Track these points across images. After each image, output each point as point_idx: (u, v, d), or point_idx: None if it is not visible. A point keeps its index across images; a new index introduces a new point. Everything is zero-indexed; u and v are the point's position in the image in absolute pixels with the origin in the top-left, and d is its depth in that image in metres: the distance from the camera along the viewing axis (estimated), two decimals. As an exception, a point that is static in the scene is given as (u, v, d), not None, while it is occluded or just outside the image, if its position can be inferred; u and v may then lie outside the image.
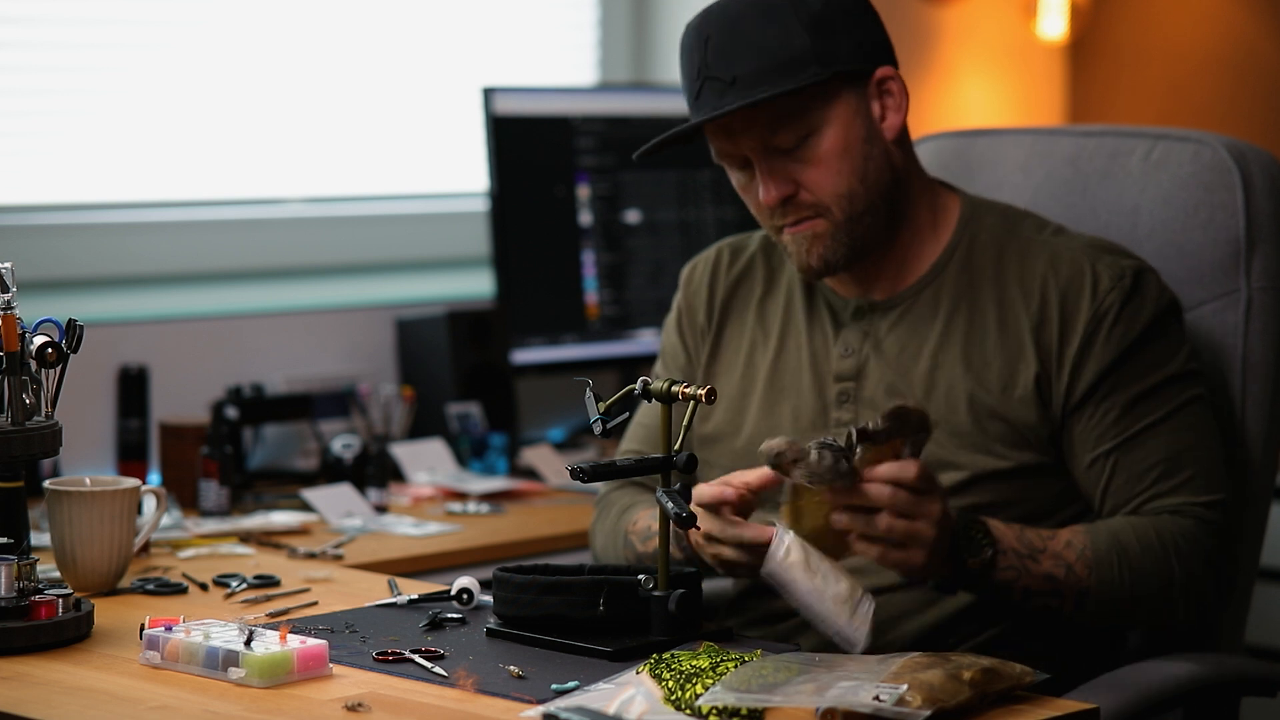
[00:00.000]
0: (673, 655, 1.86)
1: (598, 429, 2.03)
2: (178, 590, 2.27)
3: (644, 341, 3.57)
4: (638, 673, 1.83)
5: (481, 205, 3.61)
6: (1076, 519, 2.28)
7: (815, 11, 2.22)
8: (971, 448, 2.25)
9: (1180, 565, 2.19)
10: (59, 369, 2.08)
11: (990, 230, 2.31)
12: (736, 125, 2.22)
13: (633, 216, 3.57)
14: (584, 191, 3.51)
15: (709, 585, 2.34)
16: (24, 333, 2.05)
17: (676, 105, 2.52)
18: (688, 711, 1.74)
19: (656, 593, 1.99)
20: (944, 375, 2.28)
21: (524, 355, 3.44)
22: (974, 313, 2.28)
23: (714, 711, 1.73)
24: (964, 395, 2.26)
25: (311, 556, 2.55)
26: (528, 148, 3.46)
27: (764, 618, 2.34)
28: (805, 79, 2.19)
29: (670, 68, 4.04)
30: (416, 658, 1.92)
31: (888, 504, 2.01)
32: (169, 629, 1.92)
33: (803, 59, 2.20)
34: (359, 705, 1.77)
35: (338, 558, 2.57)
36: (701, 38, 2.23)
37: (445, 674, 1.87)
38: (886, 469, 2.01)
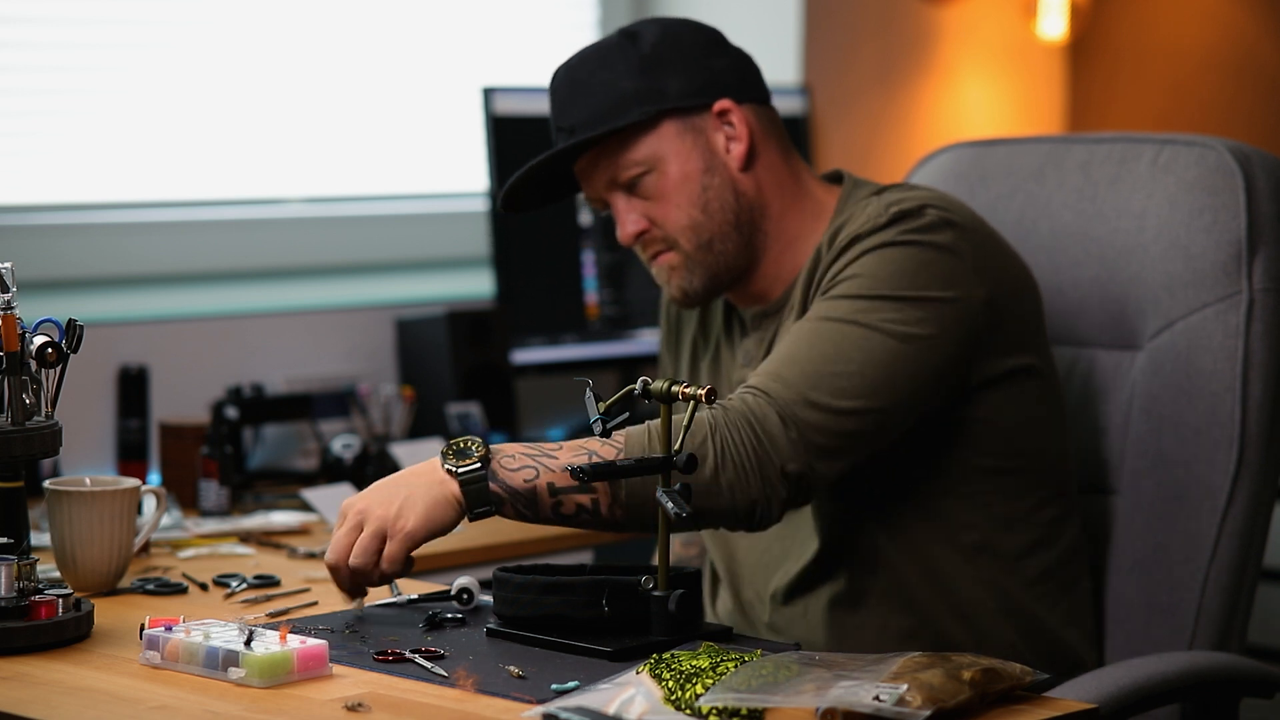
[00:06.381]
0: (673, 655, 1.86)
1: (598, 429, 2.03)
2: (178, 590, 2.27)
3: (644, 341, 3.58)
4: (638, 673, 1.83)
5: (481, 205, 3.61)
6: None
7: (645, 53, 2.31)
8: None
9: (714, 435, 2.07)
10: (59, 369, 2.08)
11: (848, 220, 2.30)
12: (586, 170, 2.34)
13: (633, 216, 3.57)
14: (584, 191, 3.51)
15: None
16: (24, 333, 2.05)
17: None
18: (688, 711, 1.74)
19: (656, 593, 1.99)
20: None
21: (524, 355, 3.44)
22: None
23: (714, 711, 1.73)
24: None
25: (311, 556, 2.55)
26: (528, 148, 3.45)
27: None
28: (627, 119, 2.29)
29: (670, 68, 4.04)
30: (416, 658, 1.92)
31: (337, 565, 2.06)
32: (169, 629, 1.92)
33: (628, 100, 2.30)
34: (359, 705, 1.77)
35: (338, 558, 2.57)
36: (551, 90, 2.36)
37: (445, 674, 1.87)
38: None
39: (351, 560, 2.04)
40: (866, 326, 2.17)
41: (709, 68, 2.33)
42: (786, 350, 2.17)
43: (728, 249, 2.33)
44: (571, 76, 2.34)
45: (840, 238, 2.25)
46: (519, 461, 2.06)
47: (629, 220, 2.34)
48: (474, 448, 2.05)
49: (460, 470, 2.04)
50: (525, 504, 2.05)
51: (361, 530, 2.04)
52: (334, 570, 2.06)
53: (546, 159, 2.34)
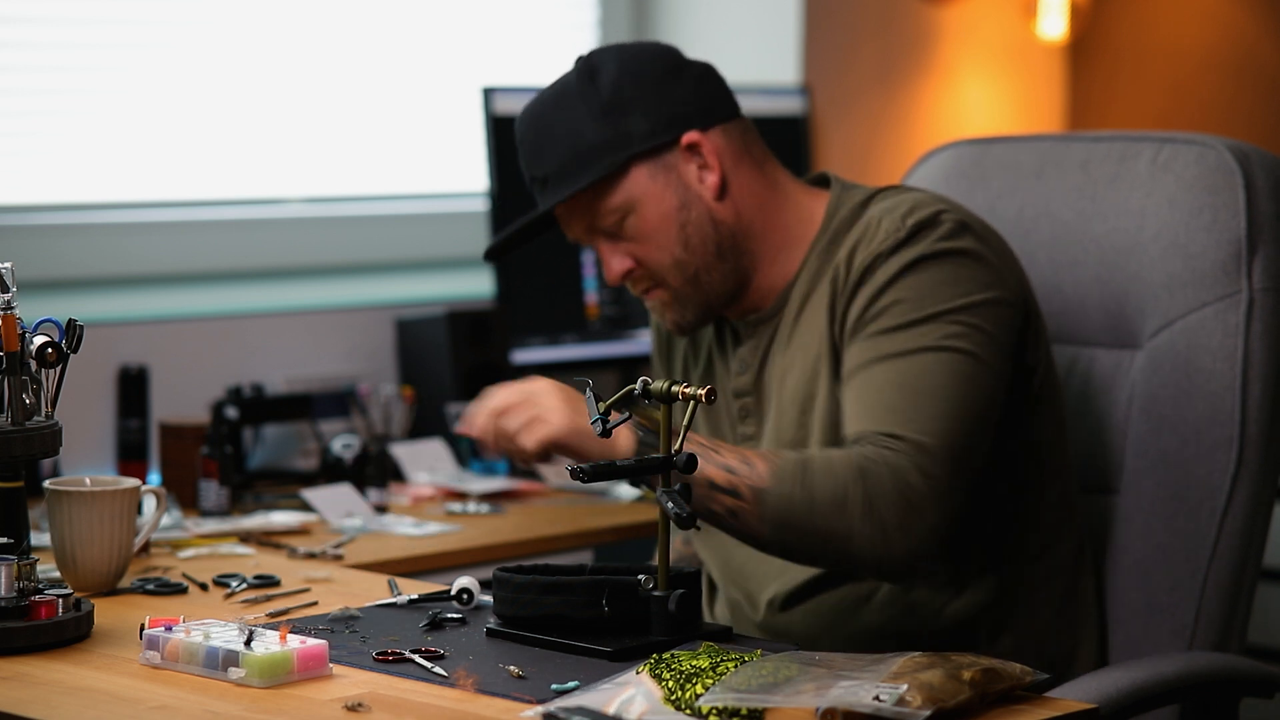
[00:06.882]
0: (673, 655, 1.86)
1: (597, 429, 2.03)
2: (178, 590, 2.27)
3: (644, 341, 3.57)
4: (638, 673, 1.83)
5: (481, 205, 3.61)
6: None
7: (605, 98, 2.29)
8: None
9: (866, 483, 2.11)
10: (59, 369, 2.08)
11: (842, 219, 2.32)
12: (564, 217, 2.34)
13: (633, 216, 3.56)
14: (584, 191, 3.51)
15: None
16: (24, 333, 2.05)
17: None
18: (688, 711, 1.74)
19: (656, 593, 1.99)
20: (789, 370, 2.32)
21: (524, 355, 3.44)
22: (816, 300, 2.31)
23: (714, 711, 1.73)
24: (796, 389, 2.30)
25: (311, 556, 2.55)
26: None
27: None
28: (598, 172, 2.29)
29: (670, 68, 4.04)
30: (416, 658, 1.92)
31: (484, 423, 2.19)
32: (169, 629, 1.92)
33: (595, 150, 2.29)
34: (359, 705, 1.77)
35: (338, 558, 2.57)
36: (519, 139, 2.35)
37: (445, 674, 1.87)
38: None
39: (505, 420, 2.16)
40: (935, 349, 2.18)
41: (671, 99, 2.31)
42: (875, 399, 2.17)
43: (714, 279, 2.33)
44: (536, 125, 2.33)
45: (860, 257, 2.24)
46: (690, 446, 2.09)
47: (614, 262, 2.35)
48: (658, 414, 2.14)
49: (645, 423, 2.15)
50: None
51: (523, 410, 2.15)
52: (478, 416, 2.20)
53: (526, 223, 2.35)
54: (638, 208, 2.30)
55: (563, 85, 2.33)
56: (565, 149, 2.29)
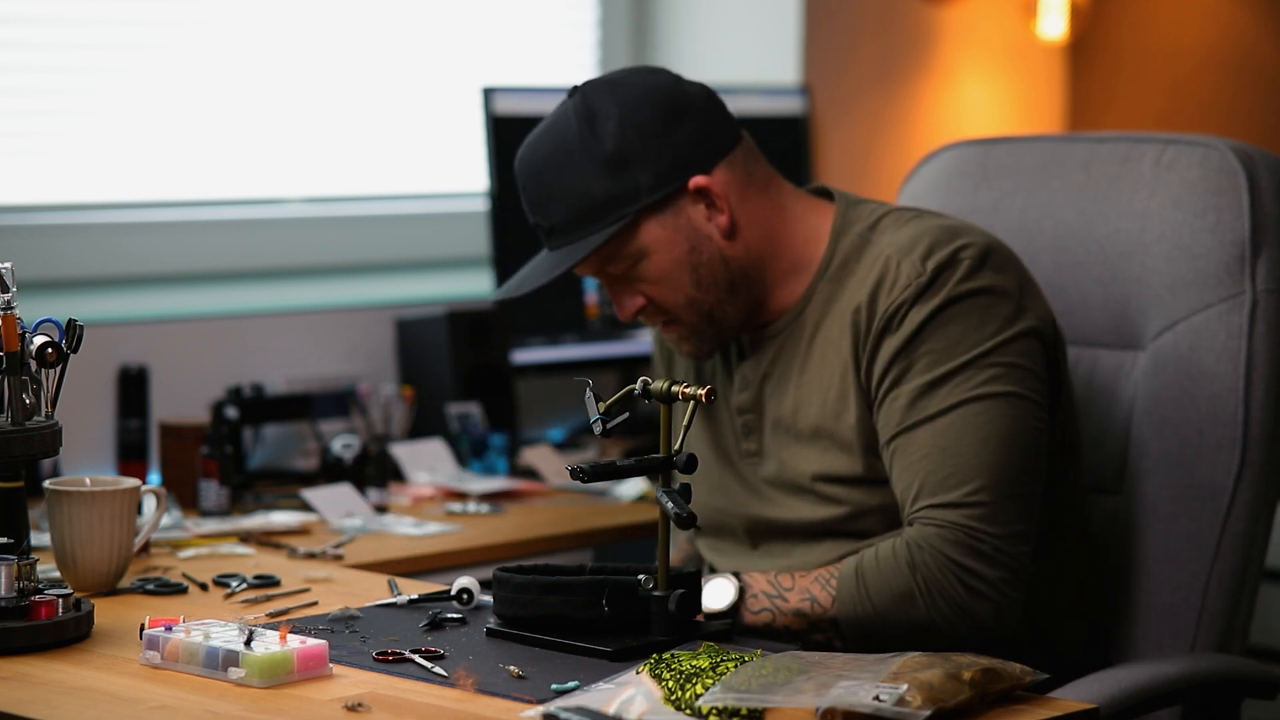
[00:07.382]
0: (673, 655, 1.86)
1: (598, 429, 2.03)
2: (178, 590, 2.27)
3: (644, 341, 3.57)
4: (638, 673, 1.83)
5: (481, 205, 3.61)
6: None
7: (609, 150, 2.27)
8: (827, 474, 2.30)
9: (918, 575, 2.17)
10: (59, 369, 2.08)
11: (851, 244, 2.32)
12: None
13: (633, 216, 3.56)
14: (584, 191, 3.50)
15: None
16: (24, 333, 2.05)
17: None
18: (688, 711, 1.74)
19: (656, 593, 1.99)
20: (804, 401, 2.32)
21: (524, 355, 3.44)
22: (829, 331, 2.31)
23: (714, 711, 1.73)
24: (811, 420, 2.31)
25: (311, 556, 2.55)
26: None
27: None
28: (608, 227, 2.28)
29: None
30: (416, 658, 1.92)
31: None
32: (169, 629, 1.92)
33: (605, 205, 2.28)
34: (359, 705, 1.77)
35: (338, 558, 2.57)
36: (521, 185, 2.34)
37: (445, 674, 1.87)
38: None
39: None
40: (973, 400, 2.19)
41: (675, 145, 2.28)
42: (920, 466, 2.19)
43: (728, 312, 2.33)
44: (539, 176, 2.31)
45: (883, 303, 2.24)
46: (760, 603, 2.22)
47: (626, 301, 2.36)
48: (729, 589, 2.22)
49: (710, 615, 2.20)
50: (770, 638, 2.22)
51: None
52: None
53: (544, 285, 2.37)
54: (649, 255, 2.31)
55: (562, 131, 2.29)
56: (572, 204, 2.28)
